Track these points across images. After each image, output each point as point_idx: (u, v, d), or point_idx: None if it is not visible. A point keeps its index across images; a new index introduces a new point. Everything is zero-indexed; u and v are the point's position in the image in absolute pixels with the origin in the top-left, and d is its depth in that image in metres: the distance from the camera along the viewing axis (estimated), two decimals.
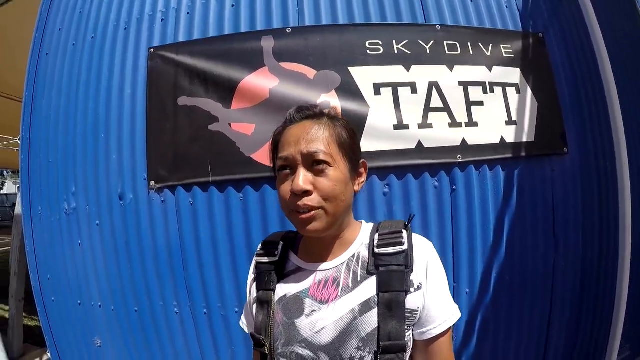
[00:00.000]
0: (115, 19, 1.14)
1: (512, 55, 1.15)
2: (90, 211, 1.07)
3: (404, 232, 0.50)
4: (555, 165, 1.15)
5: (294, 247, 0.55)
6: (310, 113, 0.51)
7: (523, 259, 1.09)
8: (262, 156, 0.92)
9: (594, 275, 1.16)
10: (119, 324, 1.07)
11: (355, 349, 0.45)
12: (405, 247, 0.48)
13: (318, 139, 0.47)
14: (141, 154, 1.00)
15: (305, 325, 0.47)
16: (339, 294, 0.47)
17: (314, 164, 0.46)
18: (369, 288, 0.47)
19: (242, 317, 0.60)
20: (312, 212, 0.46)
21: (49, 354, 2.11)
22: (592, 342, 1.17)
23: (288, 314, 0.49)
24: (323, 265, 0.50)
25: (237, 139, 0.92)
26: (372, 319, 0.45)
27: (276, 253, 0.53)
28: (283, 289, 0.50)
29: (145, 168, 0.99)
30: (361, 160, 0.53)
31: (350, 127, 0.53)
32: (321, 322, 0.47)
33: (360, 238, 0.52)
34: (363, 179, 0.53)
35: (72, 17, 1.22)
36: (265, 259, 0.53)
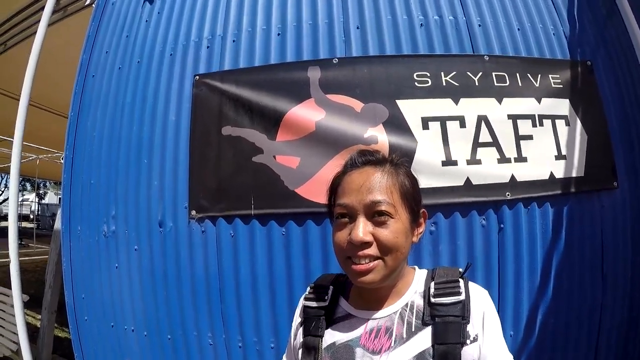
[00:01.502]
0: (161, 44, 1.16)
1: (561, 86, 1.11)
2: (129, 236, 1.07)
3: (461, 281, 0.47)
4: (605, 201, 1.09)
5: (345, 292, 0.53)
6: (373, 158, 0.49)
7: (570, 300, 1.03)
8: (307, 191, 0.90)
9: None
10: (151, 350, 1.06)
11: None
12: (462, 297, 0.46)
13: (381, 187, 0.45)
14: (183, 182, 1.00)
15: None
16: (392, 344, 0.45)
17: (375, 214, 0.45)
18: (424, 339, 0.45)
19: (284, 357, 0.58)
20: (371, 264, 0.44)
21: None
22: None
23: None
24: (375, 314, 0.48)
25: (281, 172, 0.91)
26: None
27: (326, 298, 0.51)
28: (332, 336, 0.48)
29: (186, 197, 0.99)
30: (422, 210, 0.51)
31: (413, 175, 0.51)
32: None
33: (414, 286, 0.50)
34: (422, 229, 0.51)
35: (119, 40, 1.26)
36: (314, 303, 0.51)
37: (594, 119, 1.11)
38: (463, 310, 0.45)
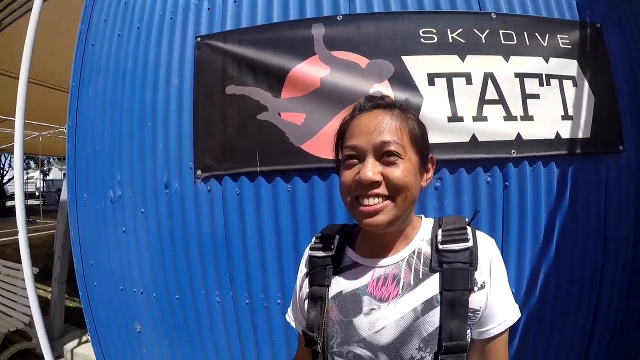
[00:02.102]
0: (160, 9, 1.14)
1: (570, 47, 1.08)
2: (135, 199, 1.08)
3: (468, 228, 0.47)
4: (610, 164, 1.08)
5: (351, 241, 0.52)
6: (382, 102, 0.49)
7: (572, 261, 1.04)
8: (312, 146, 0.90)
9: None
10: (160, 310, 1.08)
11: (416, 349, 0.43)
12: (470, 243, 0.46)
13: (390, 129, 0.45)
14: (188, 143, 1.00)
15: (364, 324, 0.45)
16: (400, 292, 0.46)
17: (384, 155, 0.44)
18: (432, 286, 0.45)
19: (289, 310, 0.58)
20: (380, 205, 0.44)
21: (88, 336, 2.19)
22: (633, 351, 1.10)
23: (344, 311, 0.47)
24: (382, 261, 0.48)
25: (286, 129, 0.91)
26: (434, 318, 0.43)
27: (332, 247, 0.51)
28: (338, 285, 0.48)
29: (191, 157, 0.99)
30: (430, 155, 0.50)
31: (421, 122, 0.50)
32: (381, 321, 0.45)
33: (421, 233, 0.49)
34: (430, 174, 0.50)
35: (117, 8, 1.24)
36: (320, 253, 0.51)
37: (602, 82, 1.10)
38: (471, 257, 0.45)
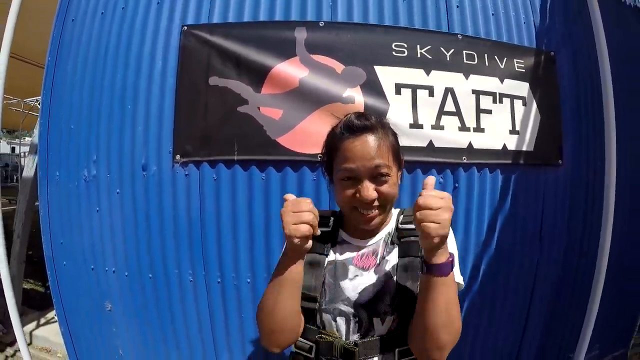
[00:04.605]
0: None
1: (524, 70, 1.24)
2: (111, 179, 1.10)
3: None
4: (549, 175, 1.26)
5: (341, 224, 0.64)
6: (368, 124, 0.56)
7: (511, 256, 1.20)
8: (287, 140, 0.98)
9: (572, 278, 1.29)
10: (132, 289, 1.11)
11: (387, 304, 0.56)
12: None
13: (379, 153, 0.55)
14: (168, 128, 1.04)
15: (349, 287, 0.58)
16: (377, 262, 0.58)
17: (377, 176, 0.55)
18: (395, 256, 0.58)
19: None
20: (375, 212, 0.56)
21: (46, 318, 2.12)
22: (564, 338, 1.31)
23: (333, 277, 0.58)
24: (367, 242, 0.60)
25: (264, 123, 0.98)
26: (396, 280, 0.56)
27: (329, 224, 0.62)
28: (332, 256, 0.60)
29: (171, 142, 1.03)
30: (402, 159, 0.61)
31: (394, 131, 0.61)
32: (362, 285, 0.57)
33: (393, 219, 0.63)
34: (401, 172, 0.62)
35: None
36: (322, 228, 0.60)
37: (549, 104, 1.26)
38: None
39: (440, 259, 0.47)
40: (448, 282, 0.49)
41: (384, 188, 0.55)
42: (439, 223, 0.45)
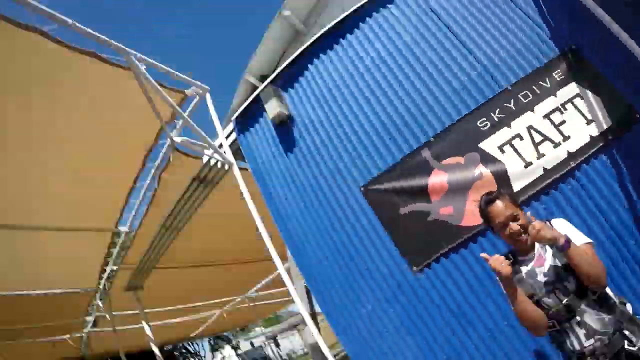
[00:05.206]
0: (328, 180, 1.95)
1: (564, 75, 1.68)
2: (381, 304, 1.78)
3: (549, 221, 1.10)
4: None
5: (515, 253, 1.15)
6: (493, 196, 1.13)
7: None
8: (467, 220, 1.59)
9: None
10: None
11: (563, 271, 1.02)
12: (549, 224, 1.07)
13: (508, 207, 1.10)
14: (394, 253, 1.72)
15: (541, 278, 1.06)
16: (545, 258, 1.07)
17: (514, 218, 1.09)
18: (549, 252, 1.06)
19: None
20: (524, 237, 1.08)
21: None
22: None
23: (532, 279, 1.07)
24: (532, 253, 1.09)
25: (447, 219, 1.61)
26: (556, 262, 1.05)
27: (511, 258, 1.14)
28: (523, 270, 1.10)
29: (404, 261, 1.70)
30: (518, 203, 1.16)
31: (503, 192, 1.16)
32: (542, 275, 1.05)
33: None
34: (522, 210, 1.14)
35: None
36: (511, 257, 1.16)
37: (596, 82, 1.62)
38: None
39: (558, 243, 0.96)
40: (572, 249, 0.96)
41: (520, 222, 1.06)
42: (542, 237, 0.96)
